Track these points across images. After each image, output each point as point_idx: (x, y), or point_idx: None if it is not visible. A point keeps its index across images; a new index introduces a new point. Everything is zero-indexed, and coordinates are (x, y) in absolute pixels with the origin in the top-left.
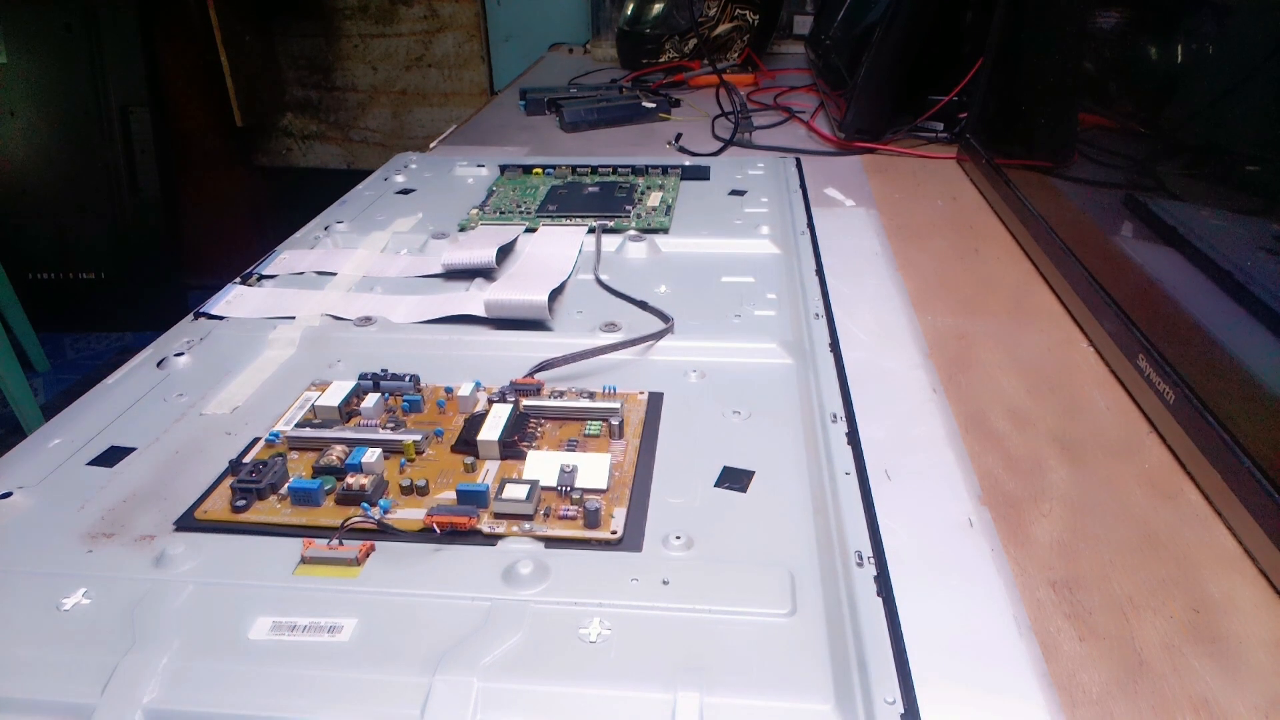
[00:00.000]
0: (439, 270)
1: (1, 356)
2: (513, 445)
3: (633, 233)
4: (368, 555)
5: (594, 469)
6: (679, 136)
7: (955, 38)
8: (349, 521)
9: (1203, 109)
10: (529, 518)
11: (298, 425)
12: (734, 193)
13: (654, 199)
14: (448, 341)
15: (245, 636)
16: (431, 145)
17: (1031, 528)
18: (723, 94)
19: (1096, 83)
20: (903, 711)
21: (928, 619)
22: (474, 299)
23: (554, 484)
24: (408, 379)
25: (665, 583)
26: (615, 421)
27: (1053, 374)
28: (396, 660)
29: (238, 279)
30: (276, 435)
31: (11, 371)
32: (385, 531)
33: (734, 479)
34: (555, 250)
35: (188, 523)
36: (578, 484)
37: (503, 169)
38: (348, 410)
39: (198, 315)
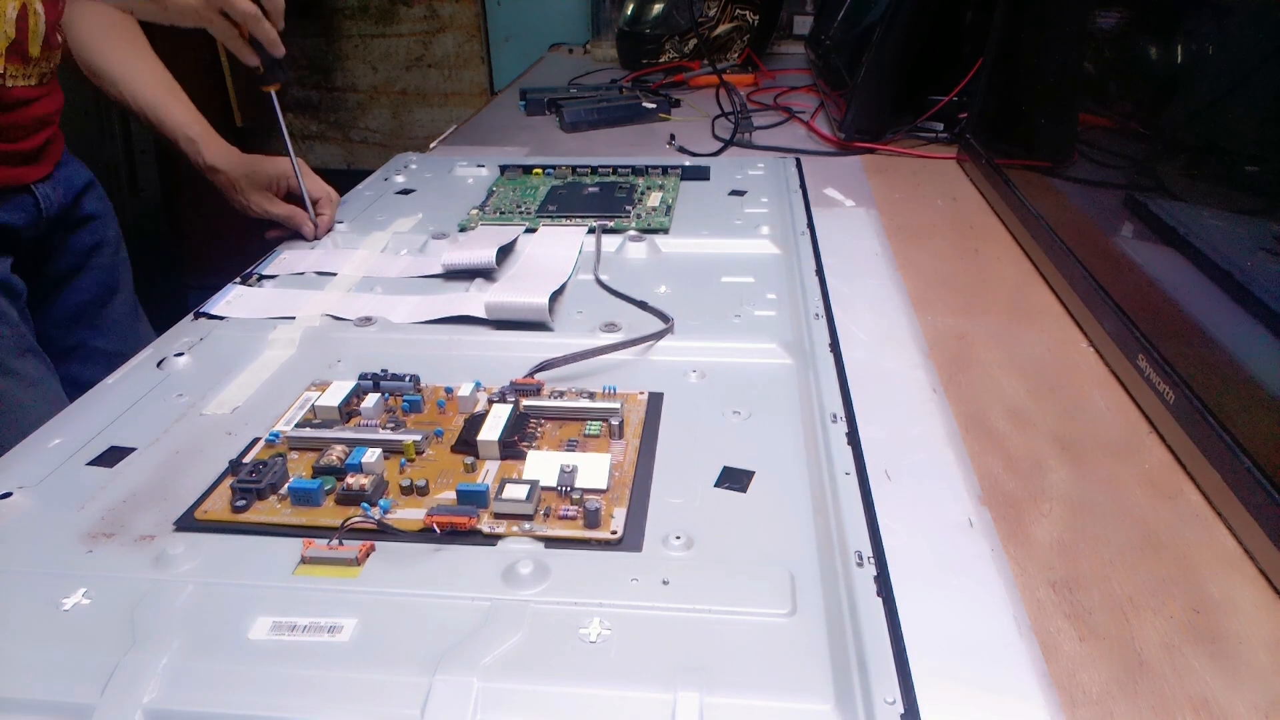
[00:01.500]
0: (439, 270)
1: None
2: (513, 445)
3: (633, 233)
4: (368, 555)
5: (594, 469)
6: (673, 137)
7: (955, 38)
8: (349, 521)
9: (1203, 109)
10: (529, 518)
11: (298, 425)
12: (734, 193)
13: (654, 199)
14: (448, 341)
15: (245, 636)
16: (431, 145)
17: (1031, 528)
18: (723, 94)
19: (1096, 83)
20: (903, 711)
21: (928, 619)
22: (474, 299)
23: (554, 484)
24: (408, 379)
25: (665, 583)
26: (615, 421)
27: (1053, 374)
28: (396, 660)
29: (238, 279)
30: (276, 435)
31: None
32: (385, 531)
33: (734, 479)
34: (555, 251)
35: (188, 523)
36: (578, 484)
37: (503, 169)
38: (348, 410)
39: (198, 315)
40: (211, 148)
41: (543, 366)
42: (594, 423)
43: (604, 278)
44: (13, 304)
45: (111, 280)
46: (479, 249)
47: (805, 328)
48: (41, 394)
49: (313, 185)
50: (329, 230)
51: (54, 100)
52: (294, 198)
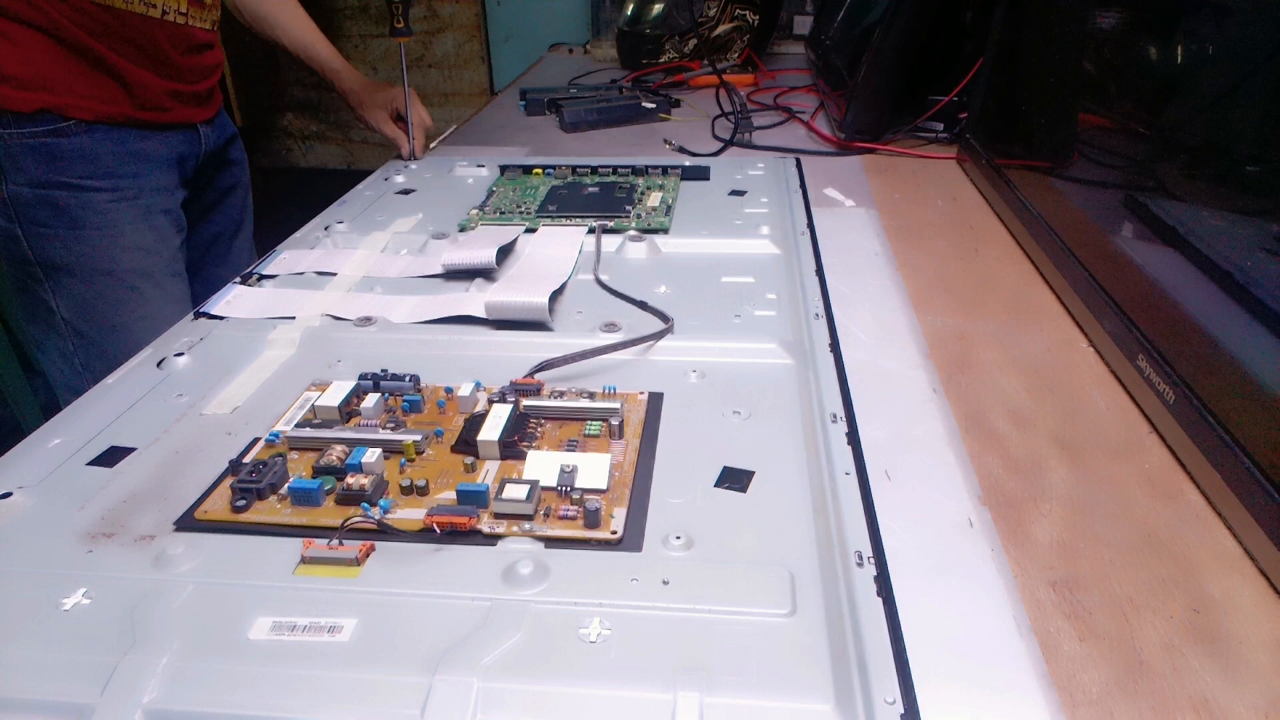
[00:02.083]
0: (439, 270)
1: (1, 357)
2: (513, 445)
3: (633, 233)
4: (368, 555)
5: (594, 469)
6: (669, 141)
7: (955, 38)
8: (349, 521)
9: (1203, 109)
10: (529, 518)
11: (298, 425)
12: (734, 193)
13: (654, 199)
14: (448, 341)
15: (245, 636)
16: (432, 145)
17: (1031, 528)
18: (723, 94)
19: (1096, 83)
20: (903, 711)
21: (928, 619)
22: (474, 299)
23: (554, 484)
24: (408, 379)
25: (665, 583)
26: (615, 421)
27: (1053, 374)
28: (396, 660)
29: (238, 279)
30: (276, 435)
31: (11, 372)
32: (385, 531)
33: (734, 479)
34: (555, 251)
35: (188, 523)
36: (578, 484)
37: (503, 169)
38: (348, 410)
39: (198, 315)
40: (348, 77)
41: (543, 366)
42: (594, 423)
43: (604, 278)
44: (177, 233)
45: (239, 218)
46: (479, 249)
47: (805, 328)
48: (179, 313)
49: (416, 114)
50: (423, 153)
51: (219, 54)
52: (403, 121)
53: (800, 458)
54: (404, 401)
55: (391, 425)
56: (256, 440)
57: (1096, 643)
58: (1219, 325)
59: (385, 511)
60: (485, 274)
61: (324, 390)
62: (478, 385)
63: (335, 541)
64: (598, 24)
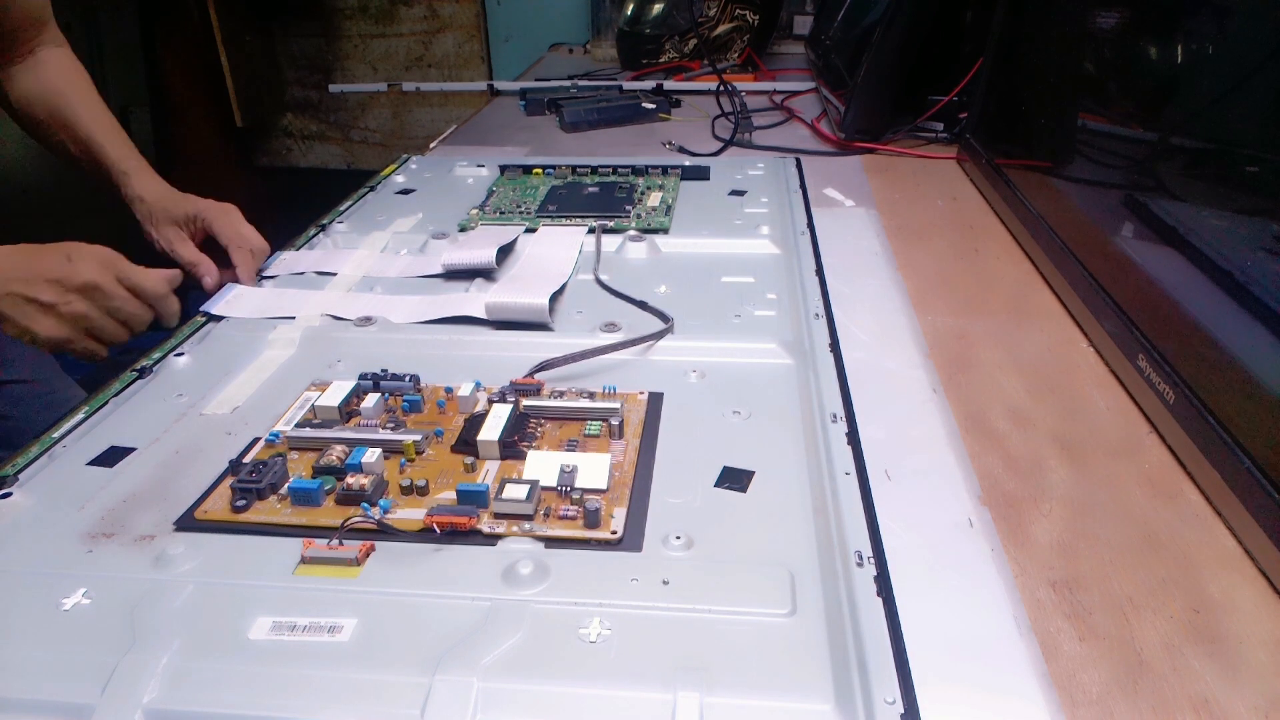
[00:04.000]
0: (439, 270)
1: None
2: (513, 445)
3: (633, 233)
4: (368, 555)
5: (594, 469)
6: (669, 142)
7: (955, 38)
8: (349, 521)
9: (1203, 109)
10: (529, 518)
11: (298, 425)
12: (734, 193)
13: (654, 199)
14: (448, 341)
15: (245, 636)
16: (431, 145)
17: (1031, 528)
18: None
19: (1096, 83)
20: (903, 711)
21: (928, 619)
22: (474, 300)
23: (554, 484)
24: (408, 379)
25: (665, 583)
26: (615, 421)
27: (1053, 374)
28: (396, 660)
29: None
30: (276, 435)
31: None
32: (385, 531)
33: (734, 479)
34: (555, 251)
35: (188, 523)
36: (578, 484)
37: (503, 169)
38: (348, 410)
39: (198, 315)
40: (143, 179)
41: (543, 366)
42: (594, 423)
43: (604, 278)
44: None
45: None
46: (479, 249)
47: (805, 328)
48: None
49: (230, 231)
50: (253, 279)
51: None
52: (217, 244)
53: (800, 458)
54: (404, 401)
55: (391, 425)
56: (256, 440)
57: (1096, 643)
58: (1219, 325)
59: (385, 511)
60: (485, 274)
61: (324, 390)
62: (478, 385)
63: (335, 541)
64: (598, 24)
